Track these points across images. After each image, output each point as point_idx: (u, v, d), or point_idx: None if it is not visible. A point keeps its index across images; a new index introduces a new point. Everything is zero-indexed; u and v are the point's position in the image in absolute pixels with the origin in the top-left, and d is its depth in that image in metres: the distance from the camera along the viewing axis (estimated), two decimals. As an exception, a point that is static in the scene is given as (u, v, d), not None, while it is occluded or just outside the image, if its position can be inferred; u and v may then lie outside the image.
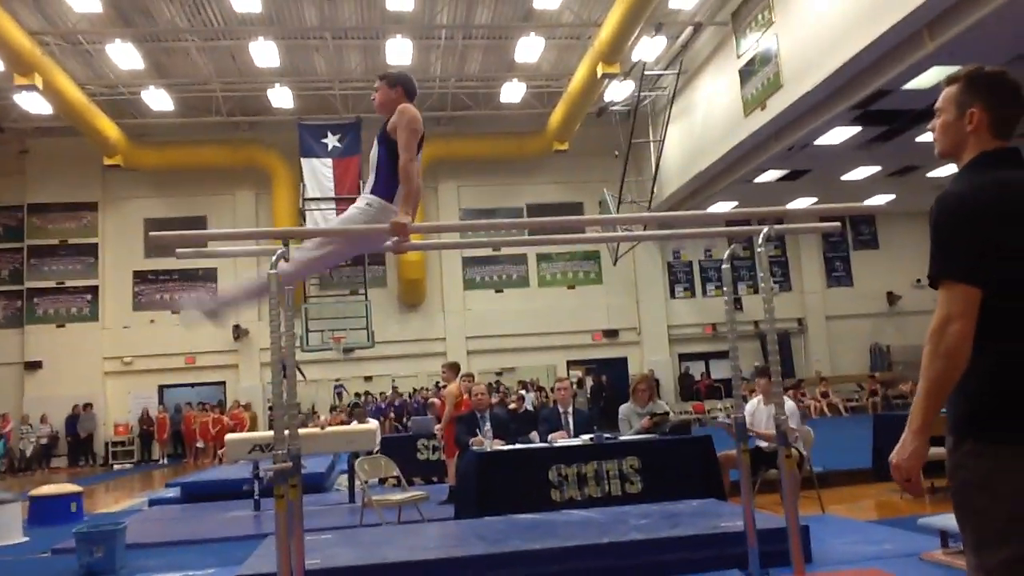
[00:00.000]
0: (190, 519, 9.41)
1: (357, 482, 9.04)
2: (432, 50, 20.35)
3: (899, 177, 20.72)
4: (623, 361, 24.25)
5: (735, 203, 21.33)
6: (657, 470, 7.15)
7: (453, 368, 9.90)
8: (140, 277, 23.24)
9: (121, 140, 21.39)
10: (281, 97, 20.89)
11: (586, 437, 7.63)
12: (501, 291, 24.11)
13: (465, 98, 22.79)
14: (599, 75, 18.35)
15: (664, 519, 5.79)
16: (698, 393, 23.74)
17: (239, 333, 22.65)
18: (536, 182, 24.22)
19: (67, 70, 18.69)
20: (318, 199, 21.47)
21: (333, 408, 20.53)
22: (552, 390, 18.48)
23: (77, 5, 16.55)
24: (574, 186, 24.02)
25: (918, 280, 23.98)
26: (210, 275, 23.20)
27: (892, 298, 25.49)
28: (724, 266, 5.28)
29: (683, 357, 24.93)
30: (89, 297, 22.95)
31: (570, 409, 8.30)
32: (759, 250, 4.75)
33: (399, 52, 18.63)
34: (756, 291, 23.89)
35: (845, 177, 20.41)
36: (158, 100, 20.75)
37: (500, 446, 7.63)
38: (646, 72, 19.31)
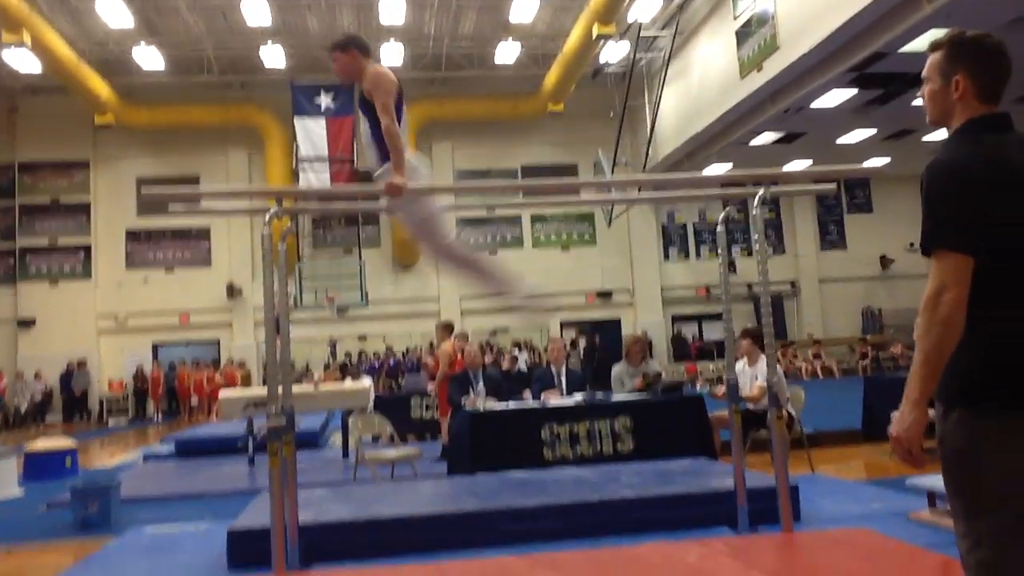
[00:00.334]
0: (184, 474, 9.48)
1: (351, 439, 9.10)
2: (426, 9, 20.07)
3: (895, 141, 20.66)
4: (616, 323, 24.29)
5: (730, 165, 21.29)
6: (649, 429, 7.19)
7: (447, 328, 9.93)
8: (133, 236, 23.16)
9: (112, 99, 21.20)
10: (273, 56, 20.67)
11: (579, 396, 7.69)
12: (495, 252, 24.09)
13: (459, 59, 22.59)
14: (594, 36, 18.20)
15: (655, 477, 5.83)
16: (691, 354, 23.85)
17: (232, 291, 22.65)
18: (531, 143, 24.13)
19: (56, 27, 18.42)
20: (311, 159, 21.36)
21: (327, 366, 20.60)
22: (545, 350, 18.53)
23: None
24: (569, 147, 23.91)
25: (911, 244, 23.97)
26: (203, 234, 23.18)
27: (885, 262, 25.57)
28: (719, 228, 5.27)
29: (676, 319, 25.05)
30: (82, 255, 22.89)
31: (563, 369, 8.37)
32: (754, 212, 4.76)
33: (392, 10, 18.41)
34: (750, 253, 23.87)
35: (841, 140, 20.34)
36: (149, 59, 20.53)
37: (493, 405, 7.68)
38: (642, 33, 19.16)
